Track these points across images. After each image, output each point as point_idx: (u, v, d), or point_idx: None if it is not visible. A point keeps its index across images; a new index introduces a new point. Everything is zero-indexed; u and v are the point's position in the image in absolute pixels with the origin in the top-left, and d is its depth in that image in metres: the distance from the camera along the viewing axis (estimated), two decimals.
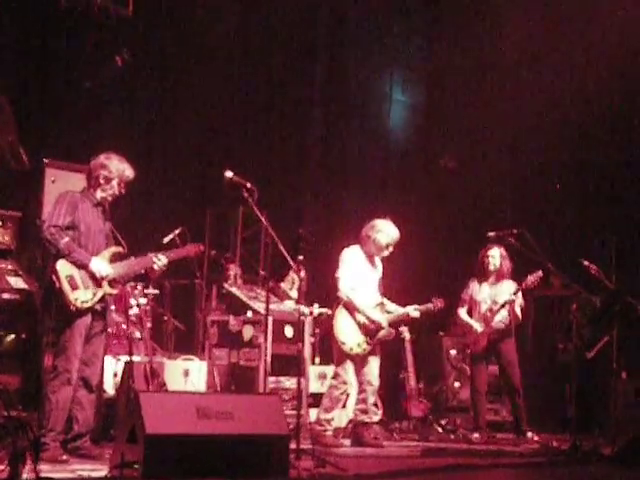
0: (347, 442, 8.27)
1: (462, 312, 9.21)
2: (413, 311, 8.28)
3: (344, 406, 8.75)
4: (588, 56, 11.45)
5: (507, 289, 9.01)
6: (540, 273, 8.87)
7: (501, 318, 8.94)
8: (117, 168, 6.55)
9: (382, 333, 8.15)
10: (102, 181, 6.54)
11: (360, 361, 8.12)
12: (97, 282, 6.39)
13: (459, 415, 9.98)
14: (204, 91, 11.22)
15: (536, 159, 12.11)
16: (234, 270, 10.45)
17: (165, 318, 9.95)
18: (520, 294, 8.89)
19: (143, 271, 6.79)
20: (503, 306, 8.86)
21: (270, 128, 12.13)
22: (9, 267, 7.18)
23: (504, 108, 12.21)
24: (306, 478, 5.82)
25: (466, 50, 12.43)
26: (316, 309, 9.25)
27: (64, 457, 6.20)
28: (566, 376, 9.92)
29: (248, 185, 6.82)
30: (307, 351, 9.10)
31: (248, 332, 8.85)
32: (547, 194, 11.99)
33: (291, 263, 6.98)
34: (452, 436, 9.02)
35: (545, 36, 11.74)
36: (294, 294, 9.82)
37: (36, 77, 9.22)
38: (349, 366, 8.05)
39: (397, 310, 8.28)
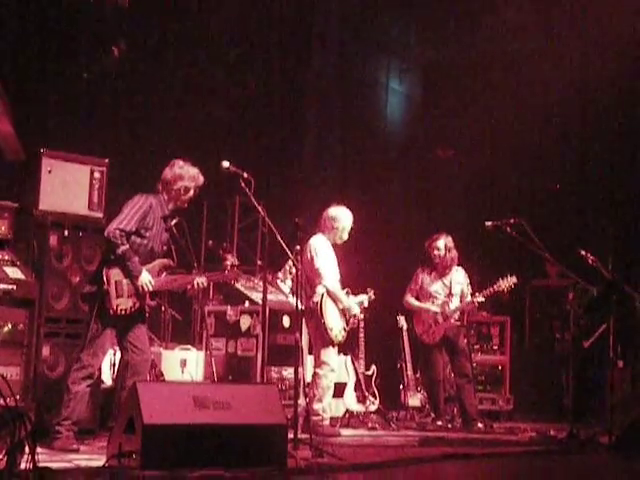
0: (344, 431, 8.28)
1: (412, 300, 9.27)
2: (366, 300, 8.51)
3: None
4: (587, 47, 11.44)
5: (460, 277, 9.16)
6: (514, 279, 8.88)
7: (453, 308, 9.03)
8: (193, 175, 6.61)
9: (352, 321, 8.32)
10: (182, 192, 6.58)
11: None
12: (140, 293, 6.42)
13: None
14: (201, 82, 11.20)
15: (533, 148, 12.10)
16: (231, 260, 10.42)
17: (162, 308, 9.95)
18: (484, 293, 8.95)
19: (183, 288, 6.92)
20: (472, 302, 8.99)
21: (267, 117, 12.11)
22: (6, 257, 7.15)
23: (501, 98, 12.21)
24: (304, 467, 5.83)
25: (463, 40, 12.42)
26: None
27: (74, 446, 6.26)
28: (563, 365, 9.98)
29: (245, 175, 6.83)
30: (304, 341, 9.09)
31: (245, 322, 8.85)
32: (544, 183, 11.97)
33: (289, 253, 6.98)
34: (450, 425, 9.02)
35: (544, 26, 11.73)
36: (287, 285, 9.76)
37: (33, 67, 9.19)
38: (333, 353, 8.13)
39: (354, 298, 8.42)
